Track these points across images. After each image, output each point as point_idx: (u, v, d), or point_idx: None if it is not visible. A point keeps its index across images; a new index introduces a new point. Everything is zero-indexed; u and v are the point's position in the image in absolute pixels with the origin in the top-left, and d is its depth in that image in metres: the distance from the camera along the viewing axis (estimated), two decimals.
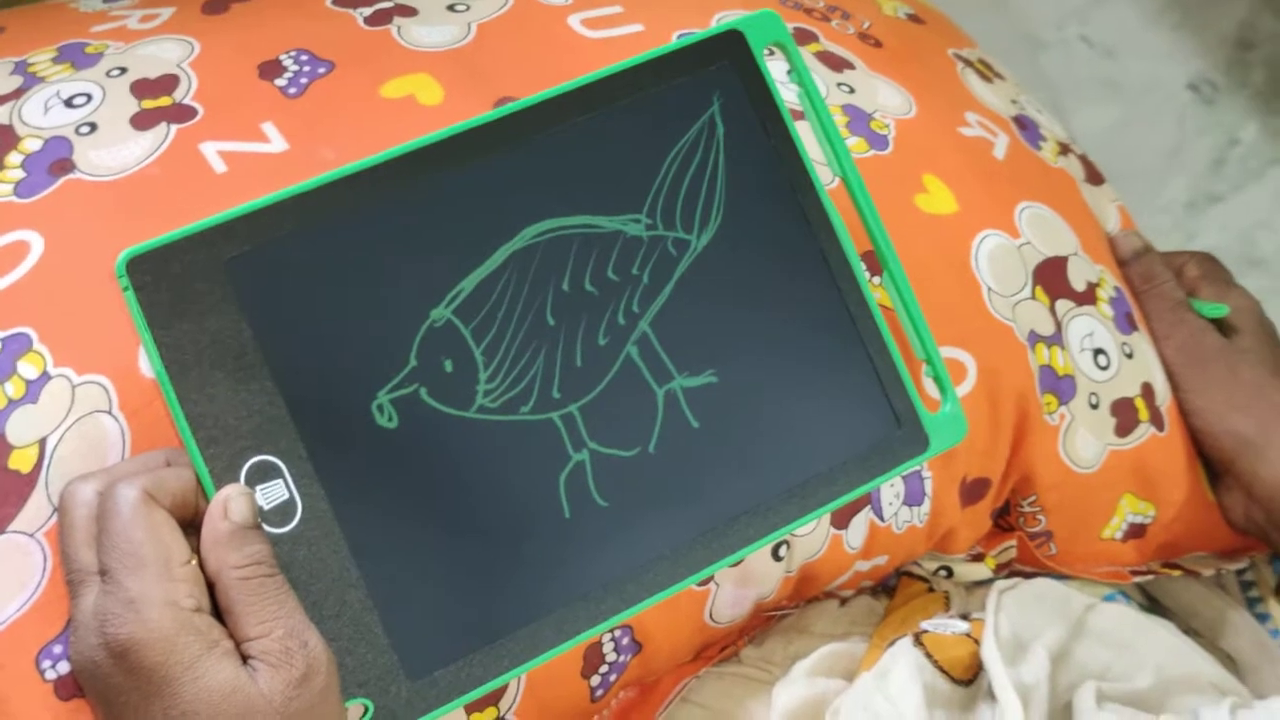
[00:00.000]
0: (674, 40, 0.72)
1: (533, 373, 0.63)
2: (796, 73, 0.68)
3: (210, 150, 0.67)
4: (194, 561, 0.56)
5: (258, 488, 0.58)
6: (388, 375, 0.61)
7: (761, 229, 0.67)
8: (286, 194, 0.60)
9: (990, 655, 0.67)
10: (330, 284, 0.61)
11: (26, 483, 0.59)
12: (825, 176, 0.69)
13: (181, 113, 0.68)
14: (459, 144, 0.63)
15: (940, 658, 0.67)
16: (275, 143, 0.68)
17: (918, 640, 0.68)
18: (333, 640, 0.57)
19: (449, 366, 0.61)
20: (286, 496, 0.59)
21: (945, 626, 0.70)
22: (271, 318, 0.59)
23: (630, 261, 0.65)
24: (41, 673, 0.58)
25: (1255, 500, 0.81)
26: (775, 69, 0.69)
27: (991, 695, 0.68)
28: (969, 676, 0.68)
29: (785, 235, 0.67)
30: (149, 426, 0.61)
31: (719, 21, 0.76)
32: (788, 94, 0.68)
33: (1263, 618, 0.85)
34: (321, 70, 0.71)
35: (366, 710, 0.58)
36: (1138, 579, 0.82)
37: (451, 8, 0.76)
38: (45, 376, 0.61)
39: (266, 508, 0.58)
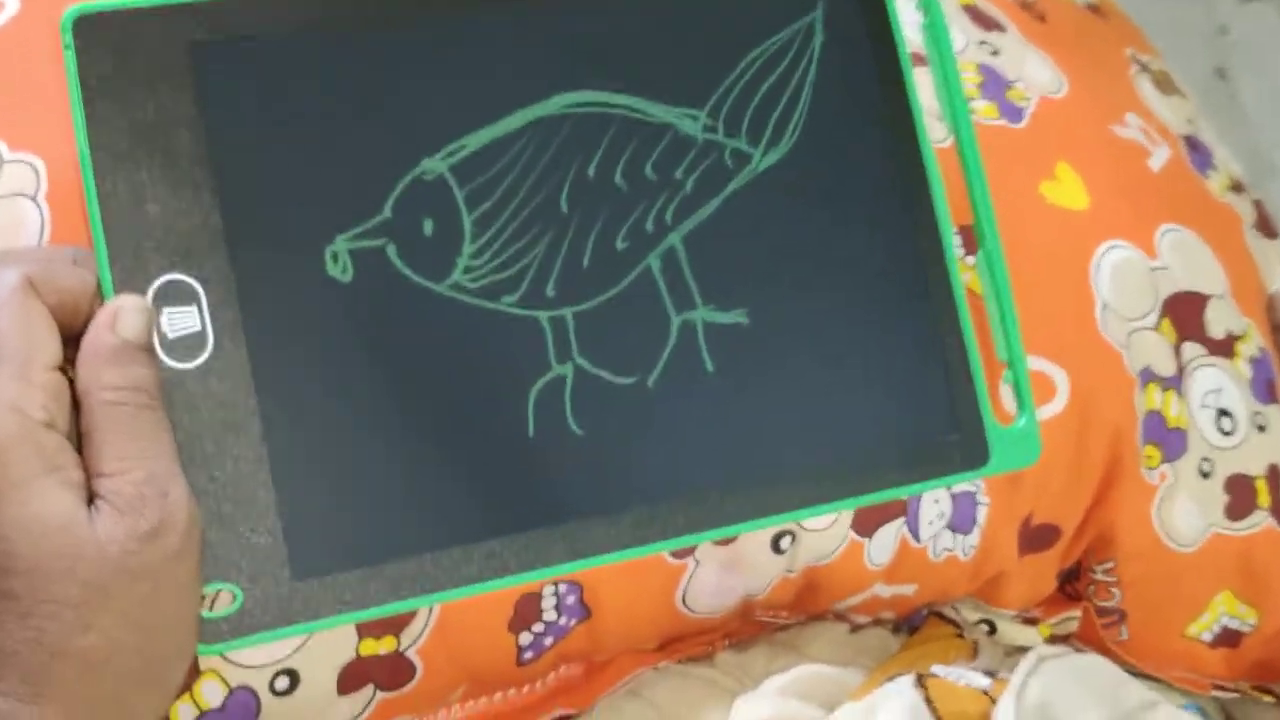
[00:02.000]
0: None
1: (528, 260, 0.53)
2: (927, 6, 0.58)
3: None
4: (61, 371, 0.46)
5: (165, 310, 0.49)
6: (353, 220, 0.51)
7: (841, 164, 0.57)
8: None
9: (1005, 709, 0.55)
10: (310, 99, 0.52)
11: None
12: (936, 133, 0.59)
13: None
14: None
15: (943, 709, 0.55)
16: None
17: (921, 682, 0.56)
18: (210, 506, 0.48)
19: (429, 228, 0.52)
20: (197, 328, 0.49)
21: (961, 676, 0.57)
22: (231, 120, 0.51)
23: (676, 162, 0.55)
24: None
25: None
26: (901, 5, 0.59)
27: None
28: None
29: (868, 178, 0.57)
30: (73, 223, 0.52)
31: None
32: (910, 32, 0.58)
33: None
34: None
35: (235, 598, 0.48)
36: (1218, 695, 0.69)
37: None
38: None
39: (170, 335, 0.49)
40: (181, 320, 0.49)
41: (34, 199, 0.52)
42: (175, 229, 0.49)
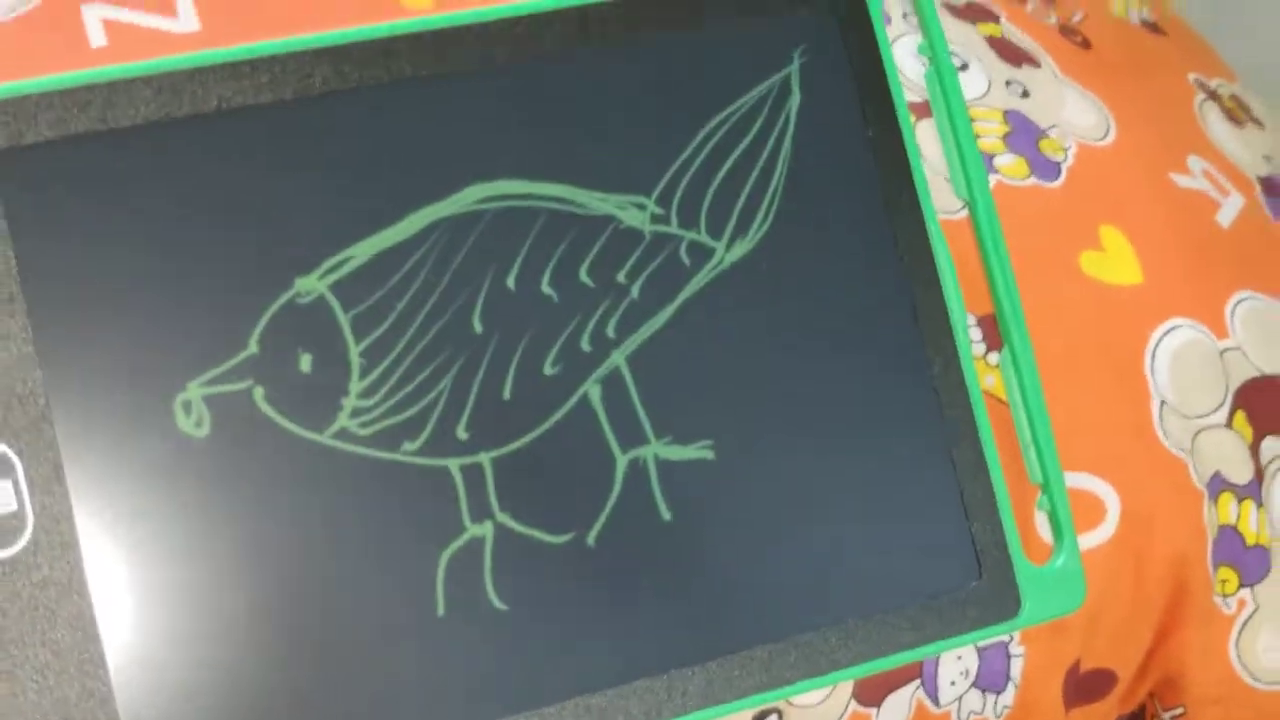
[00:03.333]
0: None
1: (433, 396, 0.43)
2: (927, 38, 0.48)
3: (93, 16, 0.50)
4: None
5: None
6: (209, 361, 0.41)
7: (825, 252, 0.47)
8: (112, 73, 0.42)
9: None
10: (153, 215, 0.42)
11: None
12: (949, 204, 0.49)
13: None
14: (395, 50, 0.44)
15: None
16: (184, 20, 0.51)
17: None
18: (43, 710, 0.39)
19: (306, 364, 0.42)
20: (13, 507, 0.40)
21: None
22: (50, 249, 0.41)
23: (618, 263, 0.45)
24: None
25: None
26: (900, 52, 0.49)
27: None
28: None
29: (858, 268, 0.47)
30: None
31: None
32: (910, 75, 0.48)
33: None
34: None
35: None
36: None
37: None
38: None
39: None
40: None
41: None
42: None
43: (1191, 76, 0.65)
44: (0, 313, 0.40)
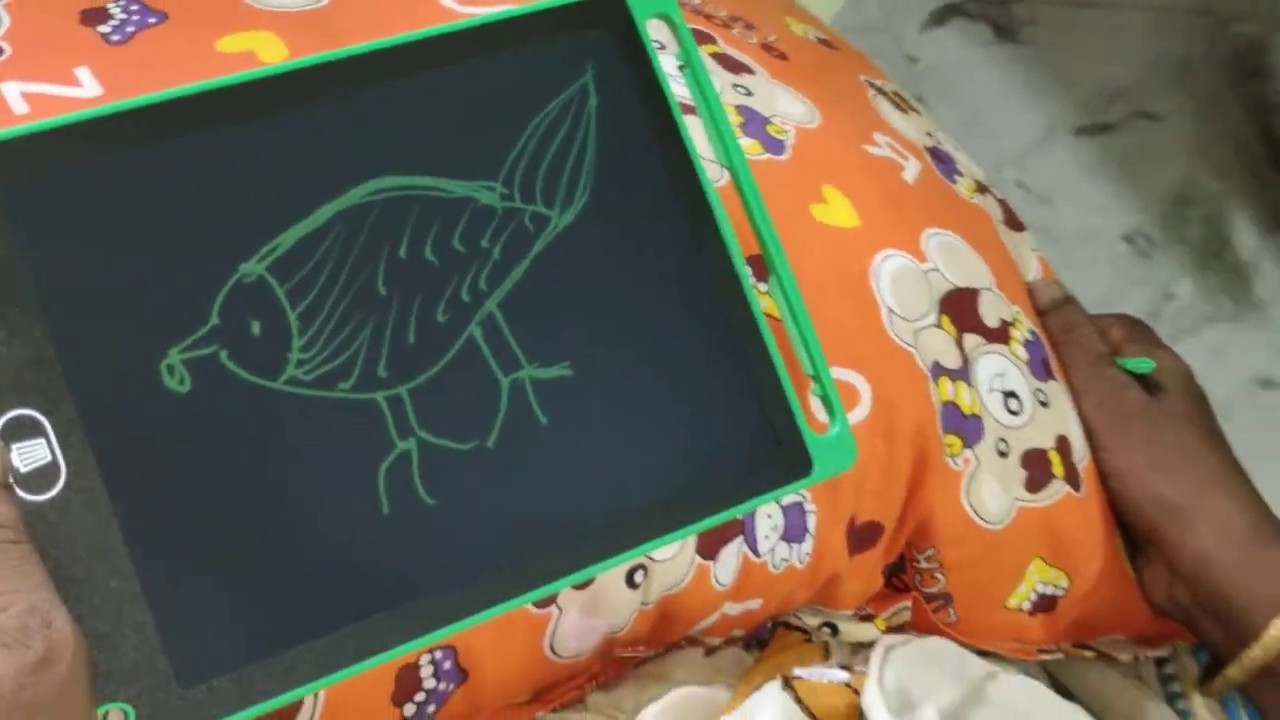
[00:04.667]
0: None
1: (356, 345, 0.54)
2: (683, 50, 0.61)
3: (12, 90, 0.60)
4: None
5: (14, 445, 0.49)
6: (183, 332, 0.52)
7: (633, 213, 0.59)
8: (77, 118, 0.51)
9: (874, 702, 0.58)
10: (123, 225, 0.52)
11: None
12: (712, 174, 0.62)
13: None
14: (289, 84, 0.55)
15: (813, 704, 0.58)
16: (88, 87, 0.61)
17: (788, 684, 0.59)
18: (90, 630, 0.48)
19: (257, 329, 0.53)
20: (48, 459, 0.49)
21: (822, 675, 0.61)
22: (49, 255, 0.51)
23: (480, 232, 0.57)
24: None
25: (1178, 576, 0.73)
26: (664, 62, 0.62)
27: None
28: None
29: (659, 223, 0.59)
30: None
31: None
32: (675, 86, 0.61)
33: (1185, 715, 0.76)
34: (152, 20, 0.64)
35: (126, 717, 0.49)
36: (1045, 657, 0.74)
37: None
38: None
39: (23, 470, 0.49)
40: (31, 453, 0.49)
41: None
42: (11, 366, 0.50)
43: (861, 78, 0.81)
44: (13, 311, 0.50)
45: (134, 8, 0.64)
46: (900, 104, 0.81)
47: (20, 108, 0.59)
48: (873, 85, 0.81)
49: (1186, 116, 2.06)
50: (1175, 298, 1.86)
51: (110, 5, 0.64)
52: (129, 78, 0.61)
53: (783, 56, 0.76)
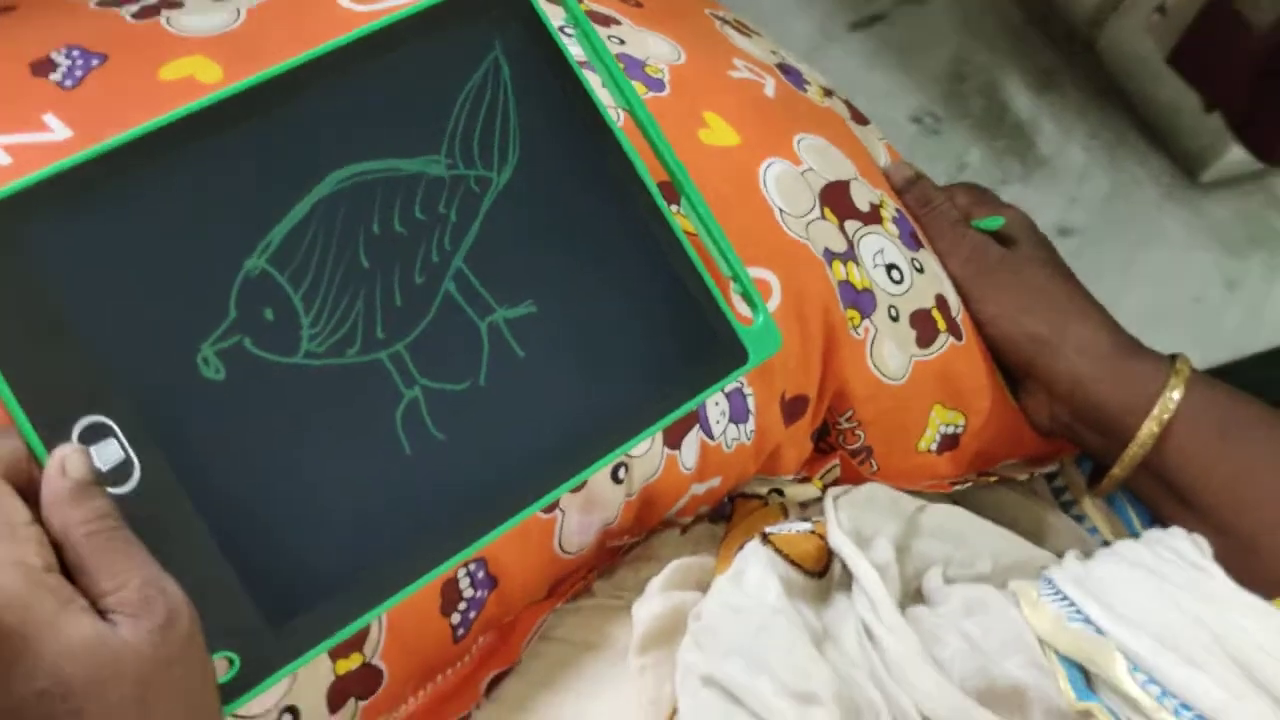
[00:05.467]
0: None
1: (354, 315, 0.62)
2: (570, 12, 0.69)
3: None
4: (37, 523, 0.54)
5: (91, 448, 0.56)
6: (209, 328, 0.59)
7: (559, 163, 0.68)
8: (76, 160, 0.58)
9: (839, 540, 0.68)
10: (138, 244, 0.59)
11: None
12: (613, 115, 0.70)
13: None
14: (249, 100, 0.62)
15: (790, 552, 0.68)
16: (58, 131, 0.67)
17: (766, 540, 0.69)
18: (187, 592, 0.56)
19: (270, 315, 0.61)
20: (122, 456, 0.57)
21: (789, 528, 0.70)
22: (83, 280, 0.58)
23: (436, 201, 0.65)
24: None
25: (1057, 399, 0.84)
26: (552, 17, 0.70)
27: (844, 585, 0.69)
28: (820, 569, 0.69)
29: (583, 168, 0.68)
30: None
31: None
32: (570, 45, 0.69)
33: (1079, 519, 0.88)
34: (95, 62, 0.70)
35: (232, 664, 0.57)
36: (957, 488, 0.84)
37: None
38: None
39: (103, 469, 0.56)
40: (107, 453, 0.57)
41: None
42: (72, 380, 0.57)
43: (706, 11, 0.90)
44: (64, 331, 0.57)
45: (75, 53, 0.70)
46: (742, 29, 0.90)
47: (3, 159, 0.65)
48: (716, 16, 0.90)
49: None
50: (968, 166, 1.95)
51: (54, 54, 0.70)
52: (91, 117, 0.68)
53: (638, 4, 0.85)
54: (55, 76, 0.69)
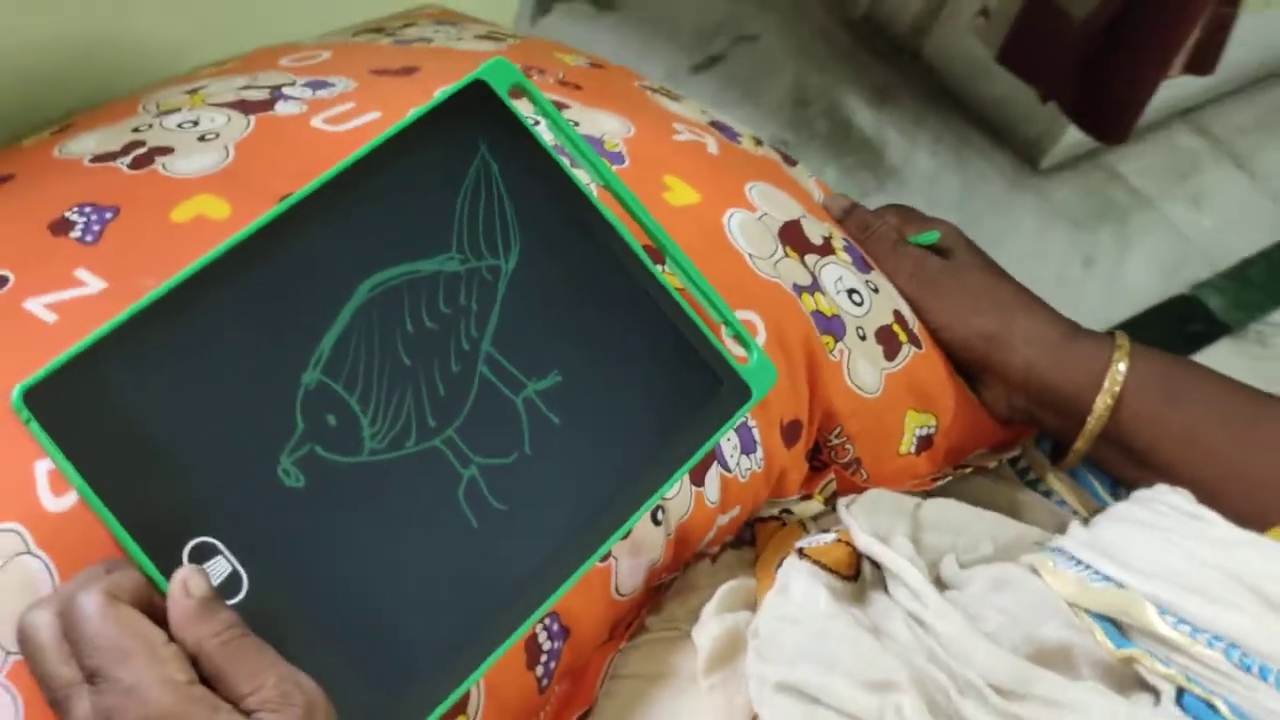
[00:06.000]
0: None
1: (406, 409, 0.68)
2: (538, 104, 0.75)
3: (35, 306, 0.70)
4: (173, 643, 0.58)
5: (202, 566, 0.61)
6: (282, 441, 0.64)
7: (557, 241, 0.73)
8: (145, 303, 0.63)
9: (867, 541, 0.74)
10: (207, 373, 0.64)
11: None
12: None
13: None
14: (273, 231, 0.66)
15: (826, 561, 0.74)
16: (93, 285, 0.71)
17: (801, 554, 0.75)
18: None
19: (333, 421, 0.66)
20: (230, 569, 0.62)
21: (817, 540, 0.77)
22: (165, 414, 0.63)
23: (456, 294, 0.70)
24: None
25: (1014, 388, 0.91)
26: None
27: (876, 584, 0.75)
28: (852, 573, 0.76)
29: (578, 242, 0.74)
30: (69, 553, 0.63)
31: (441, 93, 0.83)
32: (543, 133, 0.75)
33: (1047, 494, 0.95)
34: (109, 215, 0.75)
35: None
36: (937, 483, 0.91)
37: (202, 138, 0.81)
38: None
39: (215, 583, 0.61)
40: (216, 569, 0.62)
41: (29, 553, 0.63)
42: (173, 507, 0.62)
43: (635, 84, 0.97)
44: (161, 466, 0.62)
45: (88, 209, 0.75)
46: (670, 95, 0.97)
47: (49, 317, 0.69)
48: (645, 87, 0.97)
49: (778, 29, 2.27)
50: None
51: (67, 214, 0.75)
52: (120, 267, 0.72)
53: (577, 87, 0.91)
54: (75, 234, 0.74)
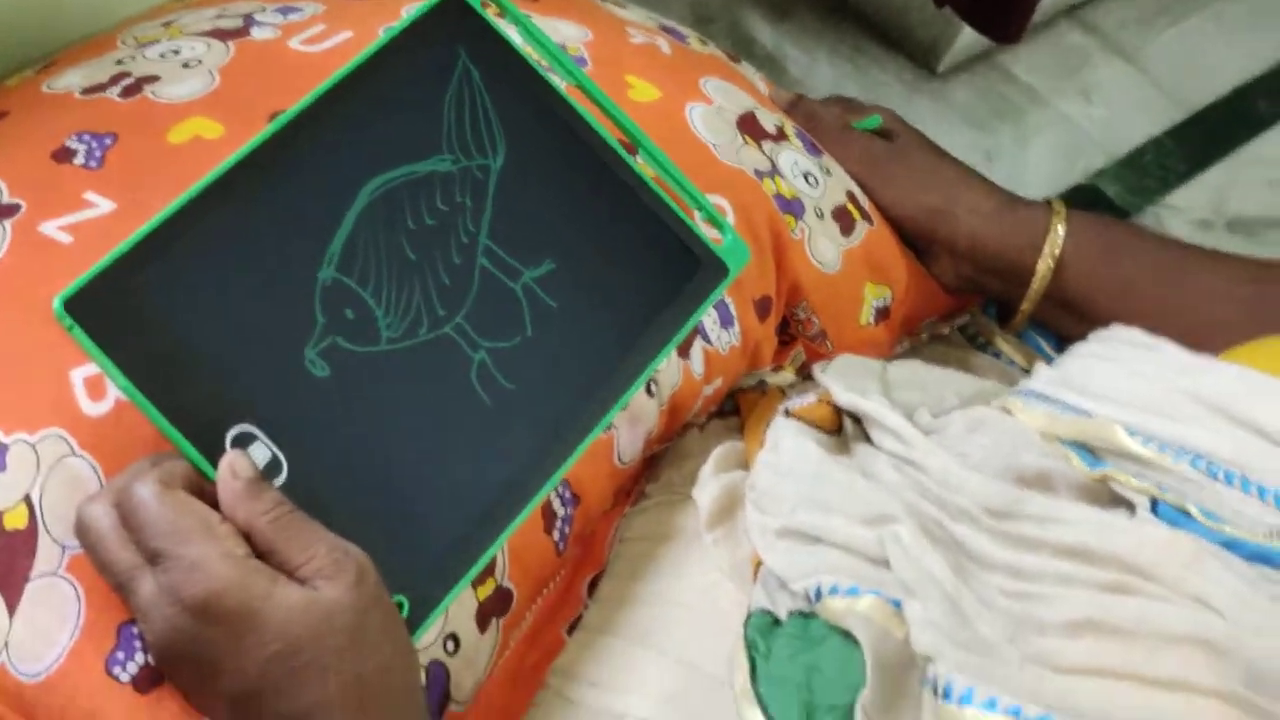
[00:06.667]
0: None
1: (416, 300, 0.72)
2: (509, 14, 0.79)
3: (51, 229, 0.74)
4: (227, 521, 0.63)
5: (247, 451, 0.66)
6: (306, 335, 0.68)
7: (539, 140, 0.77)
8: (168, 213, 0.66)
9: (849, 397, 0.80)
10: (232, 275, 0.67)
11: (28, 536, 0.65)
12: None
13: (7, 210, 0.75)
14: (276, 145, 0.70)
15: (812, 418, 0.80)
16: (103, 205, 0.75)
17: (788, 414, 0.80)
18: None
19: (350, 314, 0.70)
20: (270, 455, 0.66)
21: (801, 401, 0.82)
22: (199, 315, 0.66)
23: (451, 192, 0.74)
24: (116, 678, 0.64)
25: (960, 258, 0.97)
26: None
27: (857, 437, 0.81)
28: (835, 428, 0.81)
29: (558, 139, 0.78)
30: (112, 454, 0.68)
31: (407, 12, 0.87)
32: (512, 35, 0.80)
33: (996, 356, 1.01)
34: (108, 141, 0.78)
35: (402, 606, 0.66)
36: (896, 350, 0.97)
37: (186, 65, 0.84)
38: (3, 448, 0.66)
39: (259, 467, 0.66)
40: (258, 454, 0.66)
41: (75, 455, 0.67)
42: (213, 400, 0.65)
43: None
44: (200, 361, 0.66)
45: (87, 138, 0.78)
46: (617, 3, 1.02)
47: (65, 239, 0.73)
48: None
49: None
50: None
51: (68, 142, 0.78)
52: (126, 187, 0.76)
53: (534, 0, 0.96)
54: (78, 161, 0.77)
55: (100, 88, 0.84)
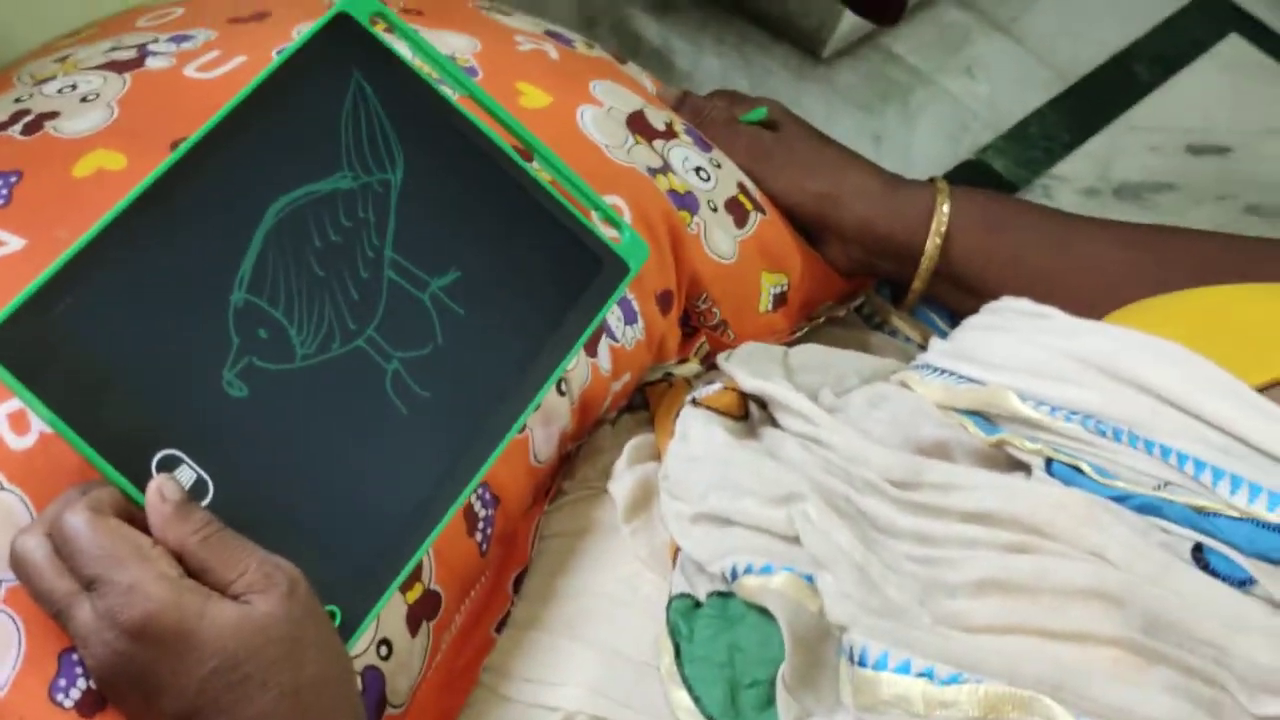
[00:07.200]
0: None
1: (328, 316, 0.73)
2: (398, 29, 0.81)
3: None
4: (158, 544, 0.64)
5: (173, 474, 0.67)
6: (223, 357, 0.70)
7: (436, 152, 0.79)
8: (79, 246, 0.67)
9: (754, 383, 0.83)
10: (145, 304, 0.68)
11: None
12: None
13: None
14: (180, 172, 0.71)
15: (718, 406, 0.83)
16: (13, 243, 0.76)
17: (695, 403, 0.83)
18: None
19: (264, 334, 0.71)
20: (196, 476, 0.68)
21: (707, 390, 0.85)
22: (117, 342, 0.68)
23: (354, 208, 0.76)
24: (59, 705, 0.65)
25: (850, 241, 1.00)
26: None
27: (765, 421, 0.84)
28: (742, 414, 0.84)
29: (454, 150, 0.80)
30: (39, 486, 0.69)
31: (299, 34, 0.88)
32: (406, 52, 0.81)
33: (893, 334, 1.05)
34: (13, 179, 0.79)
35: (335, 615, 0.68)
36: (795, 336, 1.00)
37: (84, 99, 0.86)
38: None
39: (186, 488, 0.67)
40: (184, 476, 0.67)
41: (3, 489, 0.68)
42: (136, 426, 0.67)
43: (469, 4, 1.04)
44: (117, 388, 0.67)
45: None
46: (503, 12, 1.04)
47: None
48: (479, 6, 1.03)
49: None
50: None
51: None
52: (35, 223, 0.76)
53: (419, 13, 0.98)
54: None
55: (1, 126, 0.84)
